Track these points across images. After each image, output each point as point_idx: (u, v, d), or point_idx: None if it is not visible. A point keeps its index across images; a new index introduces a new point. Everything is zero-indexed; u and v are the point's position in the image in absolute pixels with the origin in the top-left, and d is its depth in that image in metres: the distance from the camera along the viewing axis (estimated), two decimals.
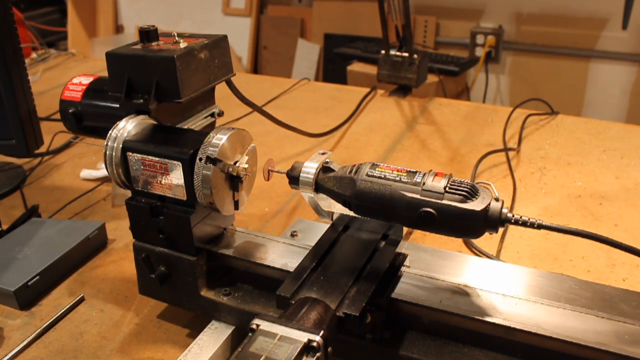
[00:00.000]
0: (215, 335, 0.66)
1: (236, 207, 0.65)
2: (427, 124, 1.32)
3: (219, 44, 0.68)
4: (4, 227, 0.90)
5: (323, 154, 0.63)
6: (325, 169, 0.61)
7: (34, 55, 1.88)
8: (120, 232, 0.93)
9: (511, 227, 0.88)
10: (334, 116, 1.35)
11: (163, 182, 0.63)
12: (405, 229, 0.65)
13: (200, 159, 0.59)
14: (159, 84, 0.63)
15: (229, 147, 0.61)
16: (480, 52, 2.68)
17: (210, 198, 0.60)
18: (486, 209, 0.52)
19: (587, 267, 0.81)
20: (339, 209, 0.62)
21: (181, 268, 0.66)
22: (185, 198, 0.63)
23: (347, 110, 1.37)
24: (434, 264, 0.68)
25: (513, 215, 0.54)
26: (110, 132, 0.63)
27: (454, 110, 1.39)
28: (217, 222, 0.69)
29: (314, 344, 0.47)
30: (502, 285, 0.63)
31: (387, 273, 0.60)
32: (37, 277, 0.78)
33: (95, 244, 0.89)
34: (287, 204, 1.00)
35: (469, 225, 0.53)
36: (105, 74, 0.68)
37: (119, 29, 3.62)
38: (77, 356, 0.69)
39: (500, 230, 0.54)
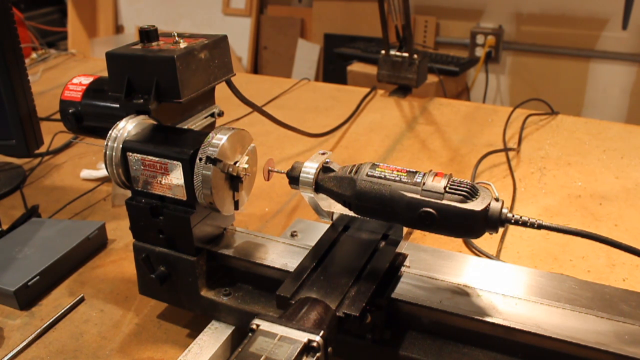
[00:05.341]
0: (215, 335, 0.66)
1: (236, 207, 0.65)
2: (427, 124, 1.32)
3: (219, 44, 0.68)
4: (4, 227, 0.90)
5: (323, 154, 0.63)
6: (325, 169, 0.61)
7: (34, 55, 1.88)
8: (120, 232, 0.93)
9: (511, 227, 0.88)
10: (334, 116, 1.35)
11: (163, 182, 0.63)
12: (405, 229, 0.65)
13: (200, 159, 0.59)
14: (159, 84, 0.63)
15: (229, 147, 0.61)
16: (480, 52, 2.68)
17: (210, 198, 0.60)
18: (486, 209, 0.52)
19: (587, 267, 0.81)
20: (339, 209, 0.62)
21: (181, 268, 0.66)
22: (185, 198, 0.63)
23: (347, 110, 1.37)
24: (434, 264, 0.68)
25: (513, 216, 0.54)
26: (110, 132, 0.63)
27: (454, 110, 1.39)
28: (217, 222, 0.69)
29: (314, 344, 0.47)
30: (502, 285, 0.63)
31: (387, 273, 0.60)
32: (37, 277, 0.78)
33: (95, 244, 0.89)
34: (287, 204, 1.00)
35: (469, 225, 0.53)
36: (105, 74, 0.68)
37: (119, 29, 3.62)
38: (77, 356, 0.69)
39: (500, 230, 0.54)
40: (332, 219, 0.68)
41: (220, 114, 0.73)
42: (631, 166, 1.08)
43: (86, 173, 1.11)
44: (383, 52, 1.45)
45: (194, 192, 0.60)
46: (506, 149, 1.16)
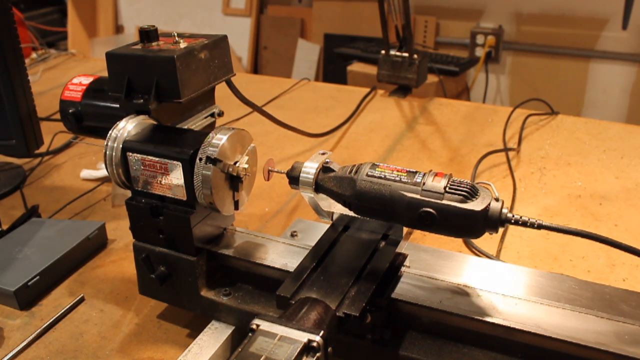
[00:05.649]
0: (215, 335, 0.66)
1: (236, 207, 0.65)
2: (427, 124, 1.32)
3: (219, 44, 0.68)
4: (4, 227, 0.90)
5: (323, 154, 0.63)
6: (325, 169, 0.61)
7: (34, 55, 1.88)
8: (120, 232, 0.93)
9: (511, 227, 0.88)
10: (334, 116, 1.35)
11: (163, 182, 0.63)
12: (405, 229, 0.65)
13: (200, 159, 0.59)
14: (159, 84, 0.63)
15: (229, 147, 0.61)
16: (480, 52, 2.68)
17: (210, 198, 0.60)
18: (486, 209, 0.52)
19: (587, 267, 0.81)
20: (339, 209, 0.62)
21: (181, 268, 0.66)
22: (185, 198, 0.63)
23: (347, 110, 1.37)
24: (434, 264, 0.68)
25: (513, 216, 0.54)
26: (110, 132, 0.63)
27: (454, 110, 1.39)
28: (217, 222, 0.69)
29: (314, 344, 0.47)
30: (502, 285, 0.63)
31: (387, 273, 0.60)
32: (37, 277, 0.78)
33: (95, 244, 0.89)
34: (287, 204, 1.00)
35: (469, 225, 0.53)
36: (105, 74, 0.68)
37: (119, 29, 3.62)
38: (77, 356, 0.69)
39: (500, 230, 0.54)
40: (332, 219, 0.68)
41: (220, 114, 0.73)
42: (631, 166, 1.08)
43: (86, 173, 1.11)
44: (383, 52, 1.45)
45: (194, 192, 0.60)
46: (506, 149, 1.16)
